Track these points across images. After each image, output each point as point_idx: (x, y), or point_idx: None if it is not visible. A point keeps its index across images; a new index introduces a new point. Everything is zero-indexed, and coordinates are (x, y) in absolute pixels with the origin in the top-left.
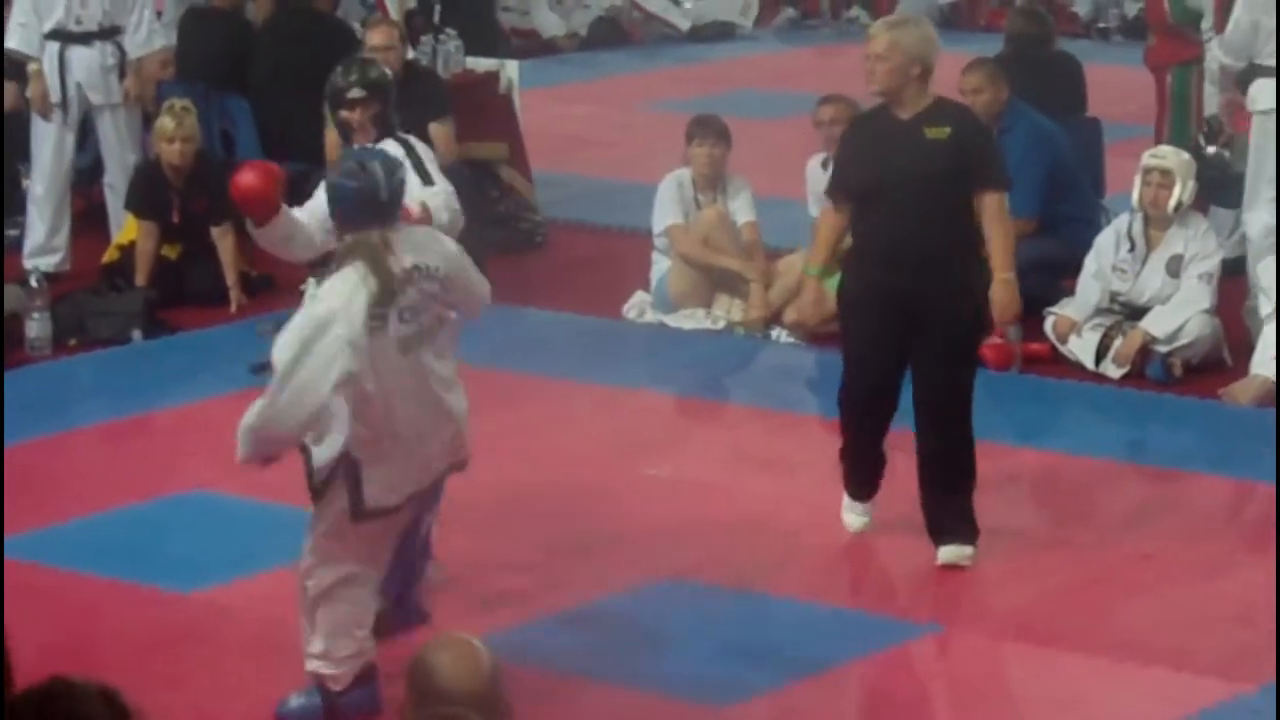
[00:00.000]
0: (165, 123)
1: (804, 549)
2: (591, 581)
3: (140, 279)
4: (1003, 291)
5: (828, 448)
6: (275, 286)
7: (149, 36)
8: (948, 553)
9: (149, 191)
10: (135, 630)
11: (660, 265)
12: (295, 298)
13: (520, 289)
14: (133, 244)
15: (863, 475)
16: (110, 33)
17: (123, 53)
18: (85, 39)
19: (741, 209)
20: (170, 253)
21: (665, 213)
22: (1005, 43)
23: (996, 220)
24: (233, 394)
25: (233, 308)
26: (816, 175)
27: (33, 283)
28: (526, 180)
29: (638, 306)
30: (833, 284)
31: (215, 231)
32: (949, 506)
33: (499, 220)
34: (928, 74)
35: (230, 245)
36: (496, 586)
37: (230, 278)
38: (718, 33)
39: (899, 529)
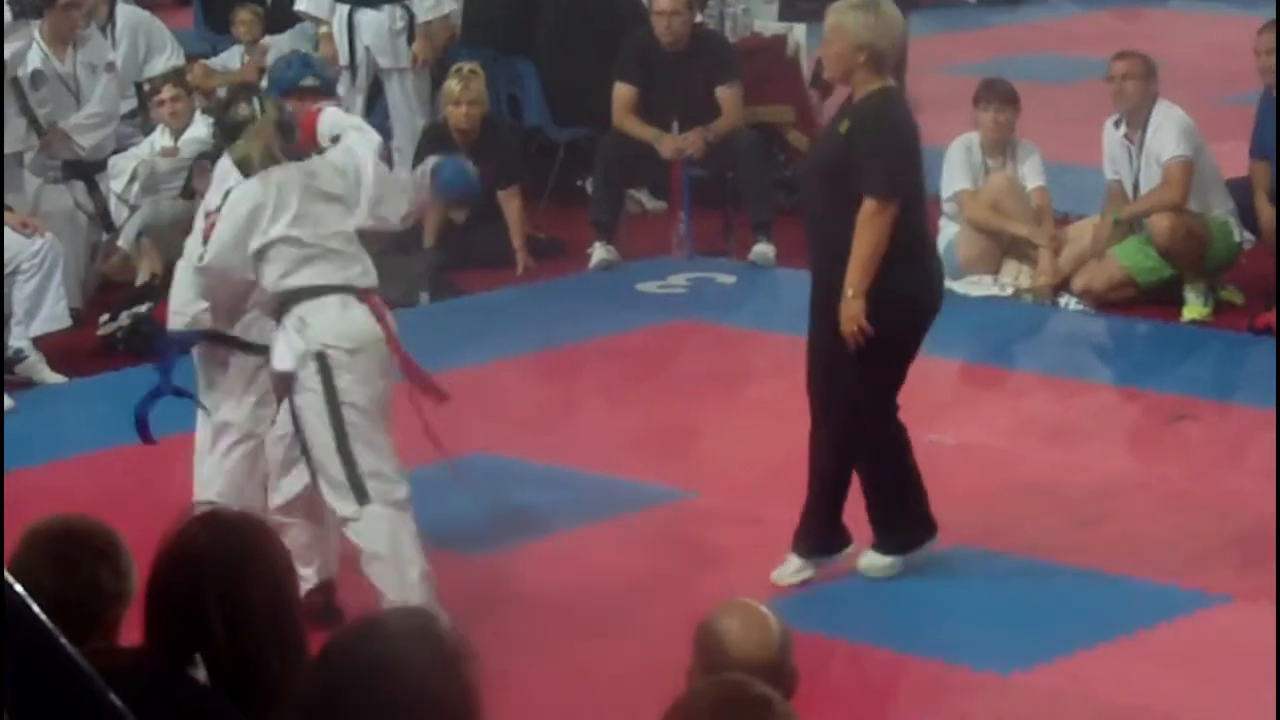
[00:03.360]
0: (452, 86)
1: (1091, 517)
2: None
3: (428, 241)
4: (844, 308)
5: (1117, 416)
6: (561, 250)
7: (438, 0)
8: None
9: (436, 154)
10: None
11: (948, 230)
12: (580, 261)
13: (806, 253)
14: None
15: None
16: None
17: (411, 16)
18: (374, 2)
19: (1030, 174)
20: (457, 215)
21: (954, 177)
22: None
23: (859, 227)
24: (519, 356)
25: (519, 270)
26: (1110, 137)
27: None
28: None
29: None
30: (1121, 250)
31: (502, 195)
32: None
33: (785, 184)
34: (875, 60)
35: (516, 208)
36: (783, 549)
37: (516, 240)
38: None
39: (1185, 501)
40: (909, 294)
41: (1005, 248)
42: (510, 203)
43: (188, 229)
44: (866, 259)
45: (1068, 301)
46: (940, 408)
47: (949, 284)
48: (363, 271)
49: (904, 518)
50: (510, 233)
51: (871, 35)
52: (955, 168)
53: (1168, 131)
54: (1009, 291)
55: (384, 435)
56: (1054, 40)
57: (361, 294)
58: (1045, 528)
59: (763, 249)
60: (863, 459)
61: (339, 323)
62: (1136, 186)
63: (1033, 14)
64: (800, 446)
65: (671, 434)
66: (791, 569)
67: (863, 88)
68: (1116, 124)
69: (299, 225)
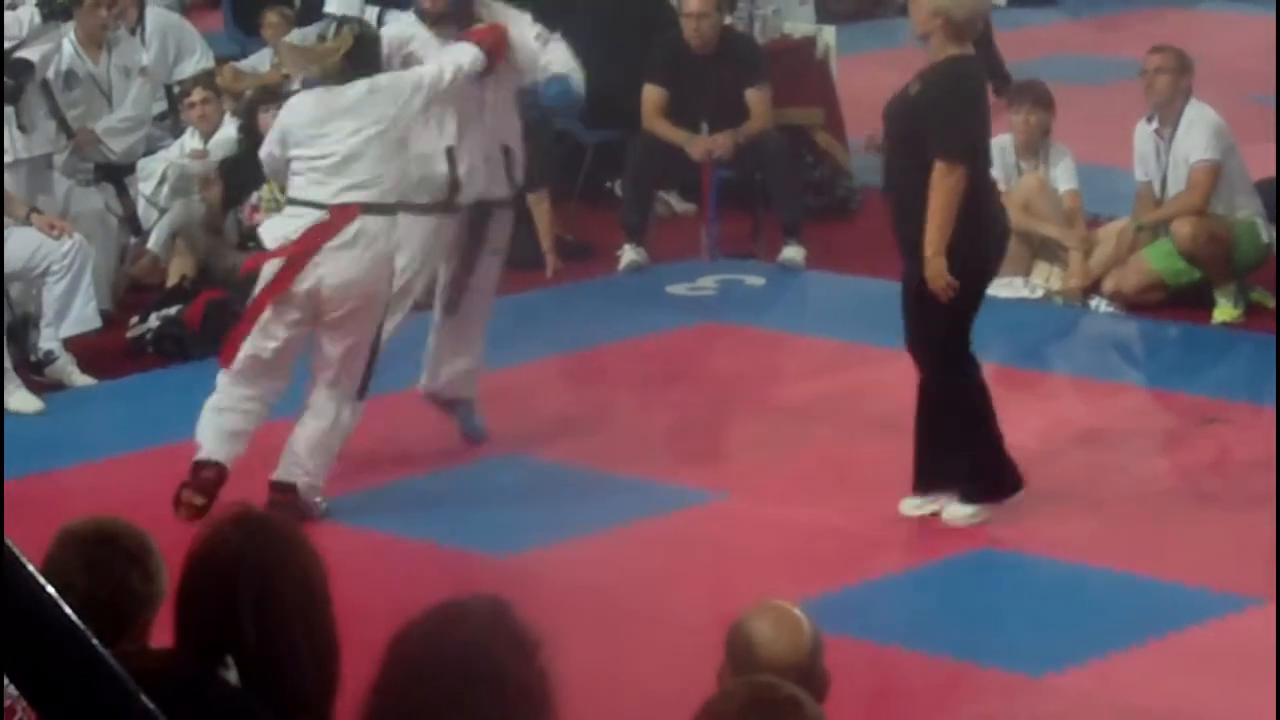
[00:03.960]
0: None
1: (1122, 520)
2: (908, 550)
3: None
4: (928, 267)
5: (1148, 418)
6: (590, 252)
7: None
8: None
9: None
10: (445, 593)
11: None
12: (609, 262)
13: (835, 255)
14: None
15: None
16: None
17: None
18: (404, 3)
19: (1063, 177)
20: None
21: None
22: None
23: (932, 189)
24: (549, 358)
25: (548, 272)
26: (1142, 134)
27: None
28: (842, 146)
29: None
30: (1150, 252)
31: (531, 198)
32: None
33: (814, 186)
34: (951, 28)
35: (545, 211)
36: (814, 551)
37: (545, 243)
38: None
39: (1217, 504)
40: (973, 248)
41: (1036, 249)
42: (539, 205)
43: (218, 230)
44: (941, 220)
45: (1098, 304)
46: None
47: None
48: None
49: (991, 463)
50: (539, 235)
51: (949, 3)
52: None
53: (1198, 131)
54: (1039, 294)
55: None
56: (1085, 41)
57: None
58: (1076, 530)
59: (792, 251)
60: (954, 400)
61: None
62: (1164, 185)
63: (1064, 14)
64: (828, 449)
65: (701, 436)
66: (912, 504)
67: (939, 53)
68: (1149, 120)
69: None
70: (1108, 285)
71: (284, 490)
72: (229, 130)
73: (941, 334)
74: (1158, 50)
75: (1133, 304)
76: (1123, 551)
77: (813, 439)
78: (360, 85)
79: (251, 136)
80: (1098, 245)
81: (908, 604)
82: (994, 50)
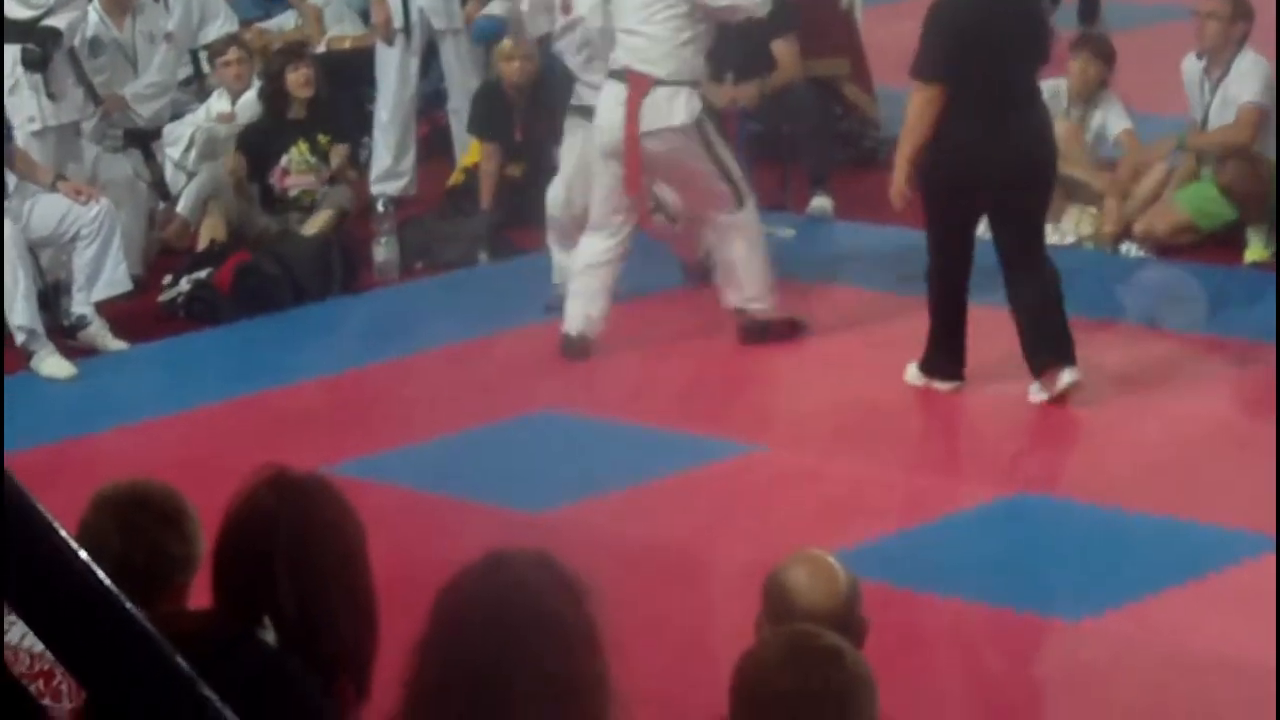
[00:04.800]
0: (505, 42)
1: (1158, 463)
2: (943, 498)
3: (485, 201)
4: None
5: (1182, 361)
6: None
7: None
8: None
9: (491, 113)
10: (483, 550)
11: None
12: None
13: (863, 205)
14: (477, 166)
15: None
16: None
17: None
18: None
19: (1114, 119)
20: (515, 171)
21: None
22: None
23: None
24: None
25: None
26: (1190, 68)
27: (379, 207)
28: (869, 96)
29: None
30: (1182, 195)
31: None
32: None
33: (842, 137)
34: None
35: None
36: (850, 501)
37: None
38: None
39: (1252, 445)
40: (961, 163)
41: (1069, 193)
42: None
43: (246, 195)
44: (906, 133)
45: (1128, 248)
46: (1001, 358)
47: None
48: None
49: (940, 346)
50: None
51: None
52: None
53: (1251, 78)
54: (1070, 239)
55: None
56: None
57: None
58: (1112, 474)
59: (821, 202)
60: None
61: None
62: (1205, 123)
63: None
64: (866, 397)
65: (737, 388)
66: (911, 373)
67: None
68: (1199, 56)
69: None
70: (1139, 228)
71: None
72: (253, 94)
73: (928, 230)
74: None
75: (1164, 247)
76: (1160, 495)
77: (849, 388)
78: None
79: (277, 99)
80: (1134, 189)
81: (944, 551)
82: None
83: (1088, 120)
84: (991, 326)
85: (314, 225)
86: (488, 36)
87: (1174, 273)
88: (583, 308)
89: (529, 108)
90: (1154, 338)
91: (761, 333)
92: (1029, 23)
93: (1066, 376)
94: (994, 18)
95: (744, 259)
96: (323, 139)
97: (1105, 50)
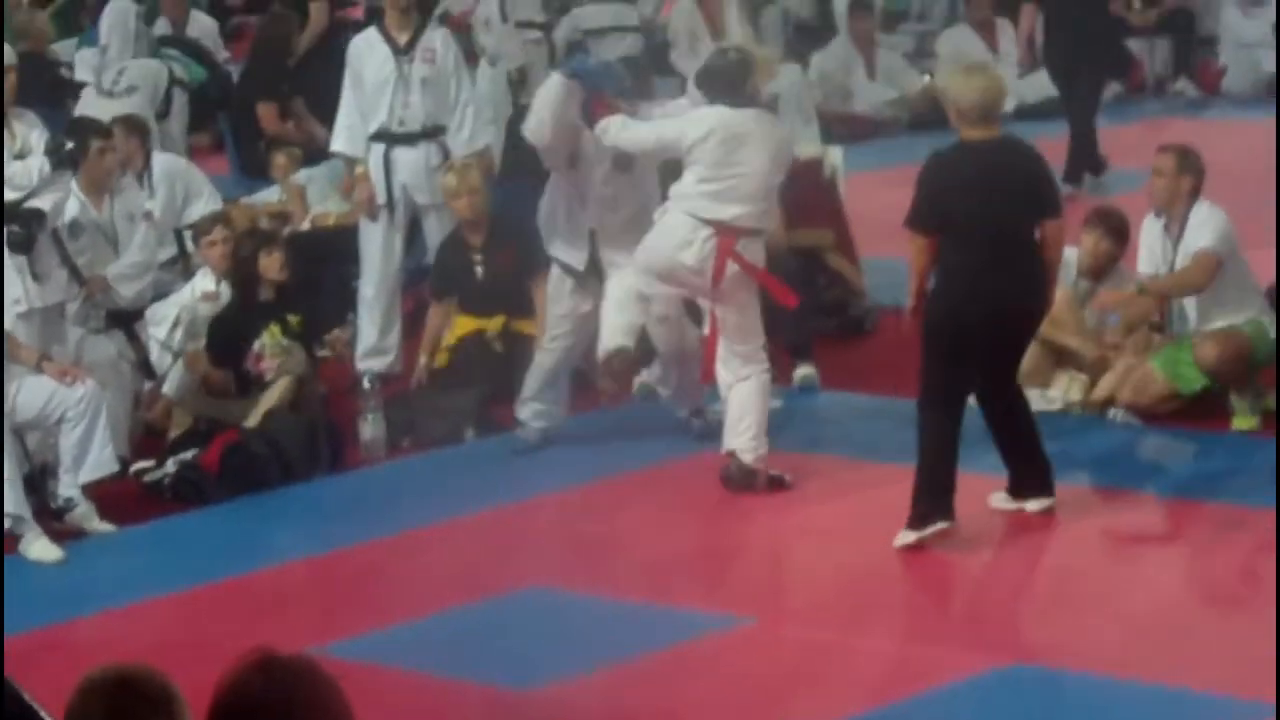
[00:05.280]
0: (449, 180)
1: (1151, 630)
2: (935, 669)
3: (424, 354)
4: None
5: (1173, 528)
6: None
7: (472, 135)
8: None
9: (450, 267)
10: None
11: None
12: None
13: (850, 375)
14: (463, 342)
15: None
16: (434, 132)
17: (446, 153)
18: (409, 140)
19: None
20: (477, 326)
21: None
22: None
23: None
24: (566, 489)
25: None
26: (1150, 228)
27: (365, 384)
28: (854, 266)
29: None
30: (1159, 360)
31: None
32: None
33: (826, 307)
34: (959, 115)
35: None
36: (840, 674)
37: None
38: (1048, 110)
39: (1246, 609)
40: (948, 307)
41: (1059, 360)
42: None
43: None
44: (911, 276)
45: (1115, 414)
46: (994, 527)
47: None
48: None
49: (921, 491)
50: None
51: (954, 94)
52: None
53: (1206, 228)
54: (1057, 406)
55: None
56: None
57: None
58: (1104, 642)
59: (805, 371)
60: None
61: None
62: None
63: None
64: (855, 566)
65: (724, 560)
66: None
67: (961, 136)
68: (1157, 214)
69: None
70: (1123, 395)
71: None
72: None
73: (922, 377)
74: (1164, 150)
75: (1149, 414)
76: (1152, 662)
77: (838, 558)
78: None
79: (247, 283)
80: (1120, 356)
81: None
82: (1087, 141)
83: (1096, 292)
84: (968, 491)
85: (272, 398)
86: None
87: (1161, 439)
88: None
89: (488, 245)
90: (1142, 503)
91: (747, 479)
92: (1023, 179)
93: (1040, 504)
94: (985, 173)
95: (753, 405)
96: (293, 320)
97: (1118, 226)
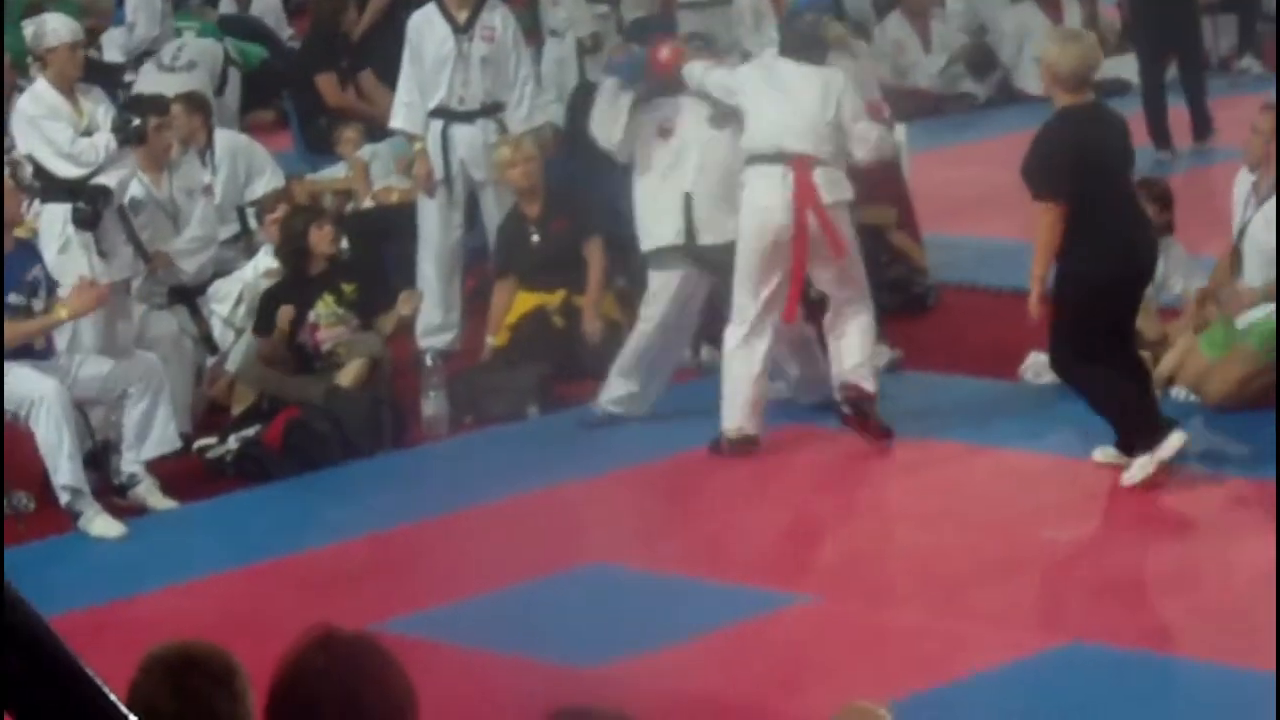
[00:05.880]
0: (503, 152)
1: (1217, 610)
2: (997, 648)
3: (490, 332)
4: None
5: (1240, 507)
6: None
7: (530, 113)
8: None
9: (510, 240)
10: (535, 706)
11: None
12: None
13: (914, 353)
14: (523, 320)
15: None
16: (492, 110)
17: (504, 130)
18: (468, 117)
19: (1174, 269)
20: (538, 302)
21: None
22: None
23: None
24: (631, 467)
25: (588, 338)
26: (1242, 181)
27: (427, 361)
28: (917, 244)
29: (1034, 368)
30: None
31: (587, 247)
32: None
33: (890, 285)
34: (1058, 81)
35: (599, 260)
36: (902, 652)
37: (593, 294)
38: (1113, 90)
39: None
40: (1088, 268)
41: None
42: (594, 254)
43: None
44: (1038, 249)
45: (1177, 393)
46: (1054, 505)
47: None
48: None
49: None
50: (589, 286)
51: (1053, 60)
52: None
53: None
54: None
55: None
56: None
57: None
58: (1166, 621)
59: (887, 353)
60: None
61: None
62: (1243, 235)
63: (1134, 103)
64: (916, 548)
65: (787, 538)
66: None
67: (1056, 104)
68: (1251, 169)
69: None
70: (1194, 383)
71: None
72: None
73: (1066, 335)
74: (1265, 109)
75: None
76: (1218, 642)
77: (901, 539)
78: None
79: (299, 257)
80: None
81: (999, 702)
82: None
83: None
84: (1025, 471)
85: (347, 377)
86: (635, 77)
87: (1224, 419)
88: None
89: (544, 215)
90: (1205, 482)
91: (863, 412)
92: (1125, 139)
93: (1175, 441)
94: (1103, 135)
95: (861, 330)
96: (347, 289)
97: (1160, 194)
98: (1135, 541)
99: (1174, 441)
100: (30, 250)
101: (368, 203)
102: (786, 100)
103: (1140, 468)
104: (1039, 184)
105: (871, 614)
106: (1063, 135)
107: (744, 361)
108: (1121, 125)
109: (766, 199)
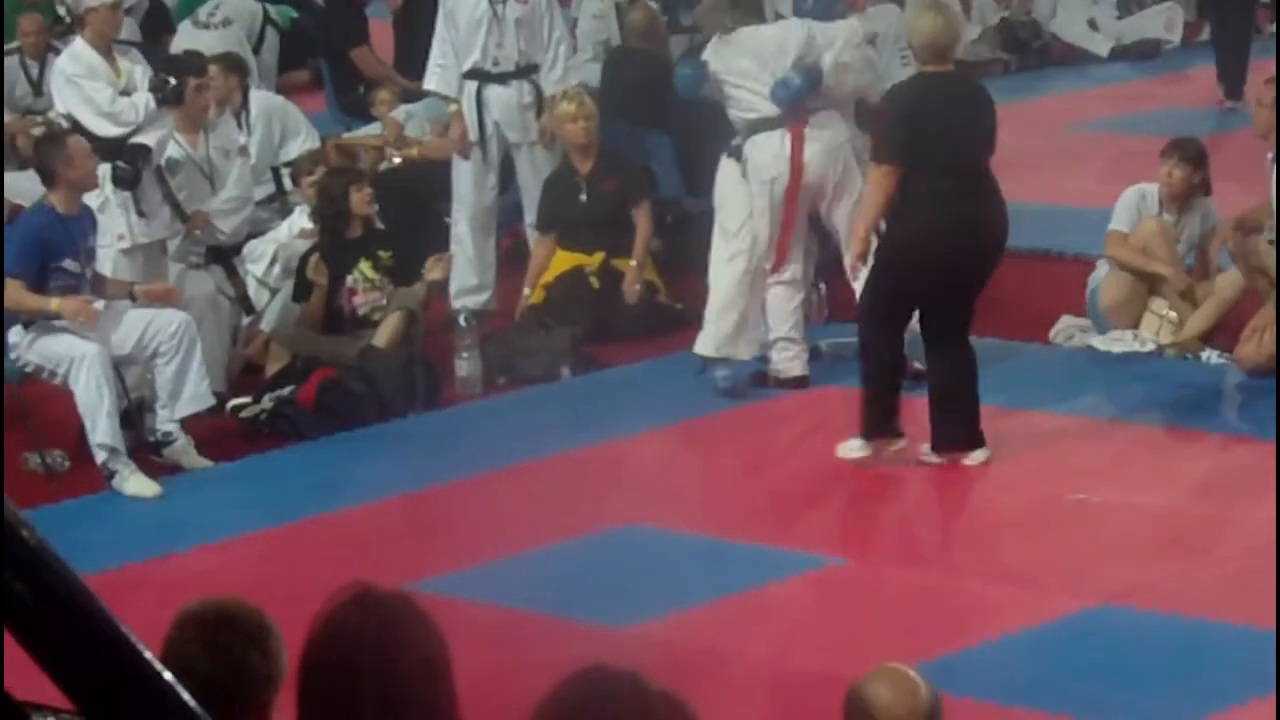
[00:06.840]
0: (567, 107)
1: (1242, 573)
2: (1025, 610)
3: (528, 287)
4: None
5: (1266, 471)
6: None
7: (564, 74)
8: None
9: (557, 197)
10: (567, 666)
11: (1099, 271)
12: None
13: None
14: (558, 280)
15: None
16: (527, 71)
17: (539, 90)
18: (502, 78)
19: (1204, 227)
20: (576, 262)
21: (1115, 219)
22: None
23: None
24: (663, 427)
25: (628, 297)
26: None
27: (461, 322)
28: None
29: (1065, 331)
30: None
31: (635, 211)
32: None
33: None
34: (914, 50)
35: (645, 224)
36: (931, 614)
37: (637, 257)
38: (1143, 51)
39: None
40: (919, 231)
41: (1151, 288)
42: (642, 218)
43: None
44: (864, 207)
45: (1209, 355)
46: (1083, 467)
47: (1092, 340)
48: None
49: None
50: (636, 249)
51: (910, 31)
52: (1119, 210)
53: None
54: (1149, 348)
55: None
56: (1189, 94)
57: None
58: (1195, 584)
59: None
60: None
61: None
62: (1276, 200)
63: (1165, 66)
64: (948, 511)
65: (816, 500)
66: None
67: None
68: (1263, 137)
69: None
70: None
71: None
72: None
73: (871, 295)
74: (1269, 82)
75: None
76: (1243, 605)
77: (924, 501)
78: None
79: (337, 219)
80: (1213, 294)
81: (1027, 664)
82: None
83: (1182, 226)
84: (1061, 438)
85: (383, 336)
86: (696, 86)
87: (1255, 382)
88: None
89: (594, 174)
90: (1234, 445)
91: None
92: (980, 111)
93: (978, 456)
94: (950, 103)
95: None
96: (384, 255)
97: (1193, 154)
98: (1165, 504)
99: (897, 445)
100: (92, 218)
101: (396, 159)
102: (761, 68)
103: (859, 449)
104: (875, 146)
105: (900, 576)
106: (904, 101)
107: (786, 299)
108: (981, 100)
109: (769, 162)
